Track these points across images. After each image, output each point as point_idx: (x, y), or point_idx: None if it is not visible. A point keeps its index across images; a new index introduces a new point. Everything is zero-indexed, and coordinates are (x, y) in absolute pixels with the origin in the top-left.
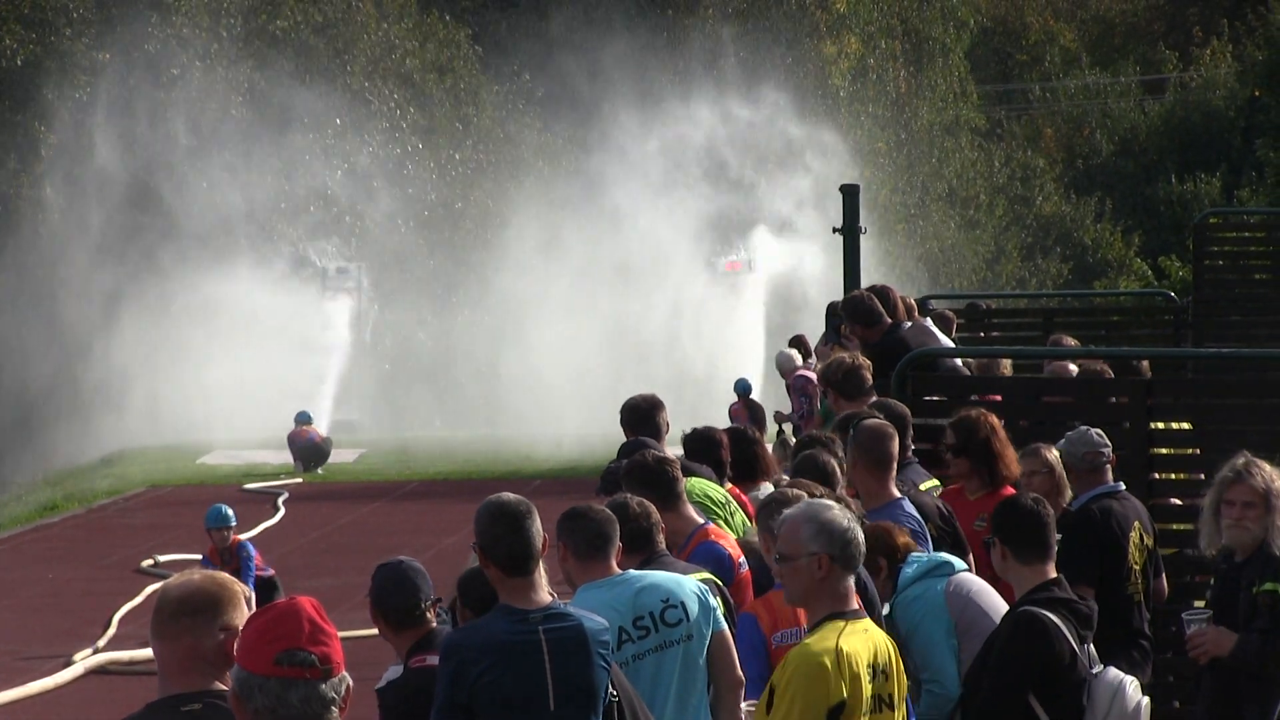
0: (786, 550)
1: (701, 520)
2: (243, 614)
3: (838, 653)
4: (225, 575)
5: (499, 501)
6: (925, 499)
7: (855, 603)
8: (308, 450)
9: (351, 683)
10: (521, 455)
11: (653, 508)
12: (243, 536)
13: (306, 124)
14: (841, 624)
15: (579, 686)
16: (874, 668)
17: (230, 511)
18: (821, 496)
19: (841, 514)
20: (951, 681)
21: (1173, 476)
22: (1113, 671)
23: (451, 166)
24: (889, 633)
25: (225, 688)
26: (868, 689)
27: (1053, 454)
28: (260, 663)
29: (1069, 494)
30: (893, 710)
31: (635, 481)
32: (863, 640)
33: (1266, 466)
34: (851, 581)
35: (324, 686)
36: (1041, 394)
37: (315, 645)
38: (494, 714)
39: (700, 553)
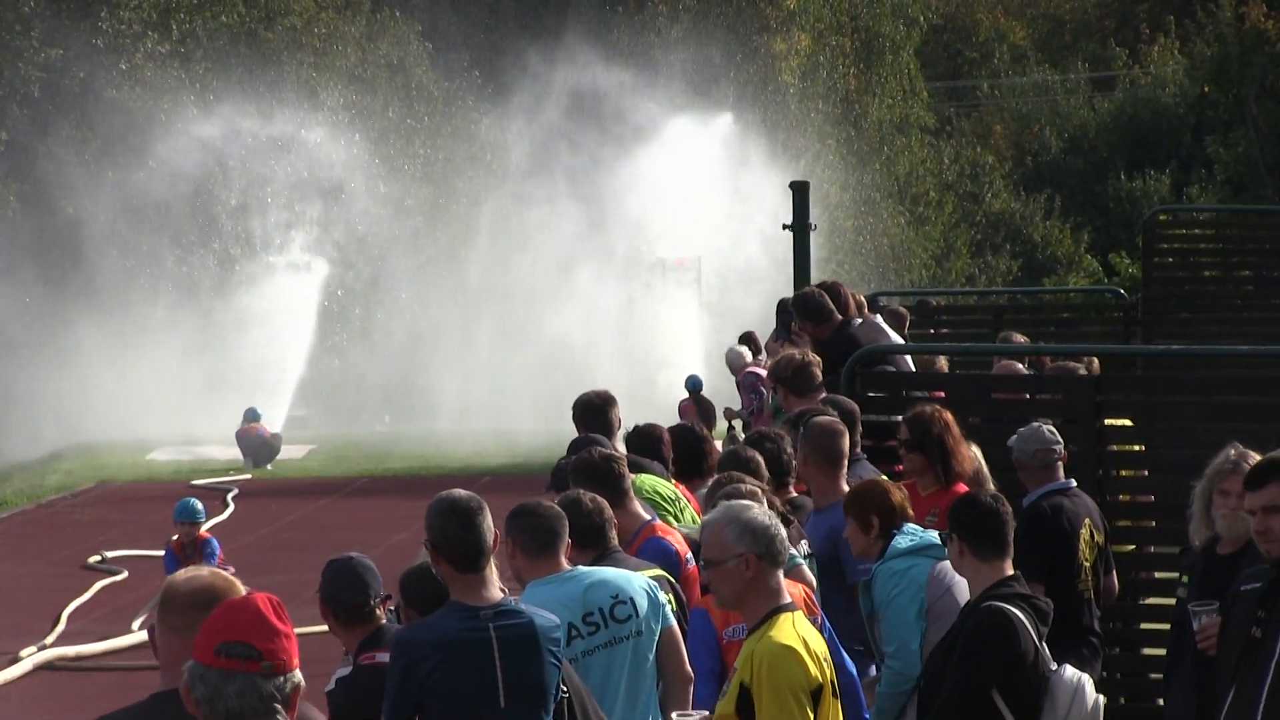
0: (712, 555)
1: (648, 516)
2: None
3: (804, 640)
4: (228, 574)
5: (450, 498)
6: None
7: (789, 596)
8: (257, 447)
9: (303, 682)
10: (471, 451)
11: (605, 504)
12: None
13: (257, 117)
14: (789, 615)
15: (530, 684)
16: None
17: (200, 506)
18: (762, 488)
19: (761, 512)
20: (915, 660)
21: (1122, 474)
22: (1070, 670)
23: (403, 161)
24: (863, 597)
25: None
26: (829, 674)
27: (974, 450)
28: (204, 652)
29: (992, 489)
30: (836, 695)
31: (582, 478)
32: (811, 629)
33: (1258, 457)
34: (781, 575)
35: (264, 682)
36: (991, 390)
37: (260, 639)
38: (445, 711)
39: (648, 549)
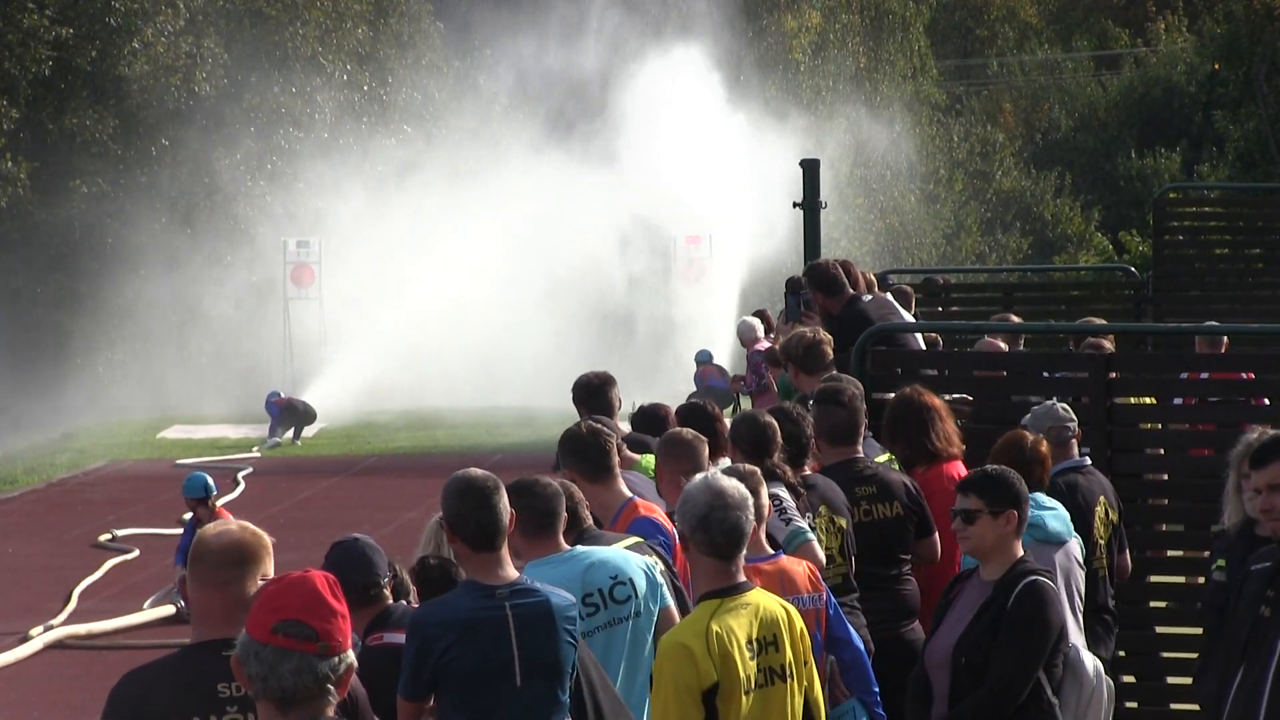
0: None
1: (630, 495)
2: (272, 564)
3: (706, 635)
4: (256, 527)
5: (466, 477)
6: (892, 476)
7: (737, 578)
8: (296, 412)
9: (355, 662)
10: (481, 429)
11: (575, 487)
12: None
13: (263, 95)
14: (715, 603)
15: (545, 662)
16: (760, 642)
17: (210, 481)
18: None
19: (710, 494)
20: None
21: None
22: (1087, 653)
23: (412, 137)
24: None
25: None
26: (747, 666)
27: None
28: (260, 629)
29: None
30: (787, 680)
31: (567, 452)
32: (740, 617)
33: None
34: (729, 562)
35: (319, 662)
36: (1001, 369)
37: (317, 620)
38: (460, 690)
39: (638, 527)
